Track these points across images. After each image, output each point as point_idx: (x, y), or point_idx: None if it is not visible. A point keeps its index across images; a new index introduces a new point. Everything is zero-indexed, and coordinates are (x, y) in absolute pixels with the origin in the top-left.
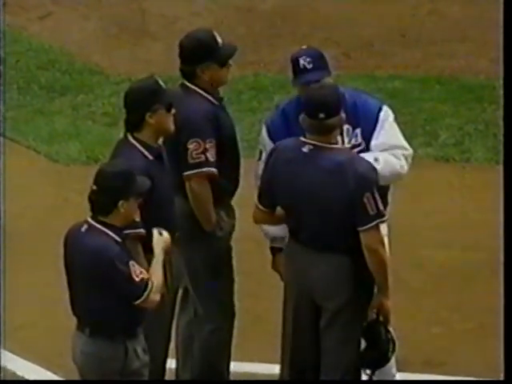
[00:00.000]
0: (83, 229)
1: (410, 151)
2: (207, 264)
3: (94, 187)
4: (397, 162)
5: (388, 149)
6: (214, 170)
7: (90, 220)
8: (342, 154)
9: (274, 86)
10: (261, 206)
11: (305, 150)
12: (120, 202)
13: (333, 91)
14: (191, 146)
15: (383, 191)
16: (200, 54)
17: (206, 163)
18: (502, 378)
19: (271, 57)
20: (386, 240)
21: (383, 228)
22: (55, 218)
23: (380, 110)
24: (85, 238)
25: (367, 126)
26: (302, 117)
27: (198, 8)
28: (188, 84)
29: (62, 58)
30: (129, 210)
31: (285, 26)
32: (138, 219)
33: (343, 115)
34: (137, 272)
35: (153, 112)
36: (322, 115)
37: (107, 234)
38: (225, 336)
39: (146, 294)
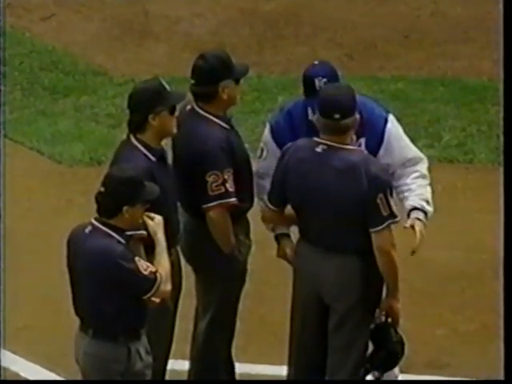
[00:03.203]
0: (87, 230)
1: (423, 156)
2: (222, 285)
3: (102, 189)
4: (429, 187)
5: (411, 165)
6: (233, 199)
7: (94, 221)
8: (355, 154)
9: (278, 88)
10: (270, 205)
11: (318, 150)
12: (125, 208)
13: (348, 92)
14: (210, 179)
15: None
16: (222, 71)
17: (226, 194)
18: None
19: (274, 58)
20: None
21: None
22: (58, 219)
23: (386, 121)
24: (88, 239)
25: (372, 137)
26: (316, 117)
27: (201, 9)
28: (199, 110)
29: (66, 59)
30: (134, 215)
31: (288, 28)
32: (140, 221)
33: (358, 116)
34: (144, 266)
35: (156, 114)
36: (337, 115)
37: (111, 236)
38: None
39: (156, 286)
